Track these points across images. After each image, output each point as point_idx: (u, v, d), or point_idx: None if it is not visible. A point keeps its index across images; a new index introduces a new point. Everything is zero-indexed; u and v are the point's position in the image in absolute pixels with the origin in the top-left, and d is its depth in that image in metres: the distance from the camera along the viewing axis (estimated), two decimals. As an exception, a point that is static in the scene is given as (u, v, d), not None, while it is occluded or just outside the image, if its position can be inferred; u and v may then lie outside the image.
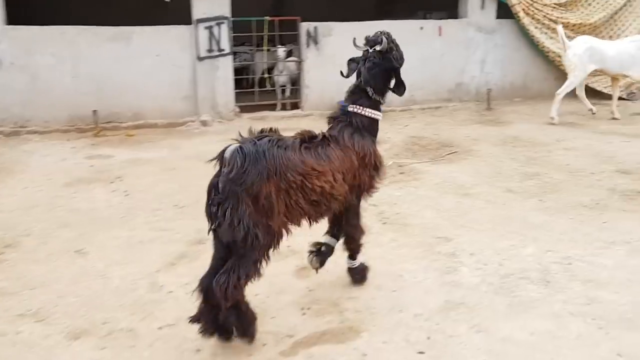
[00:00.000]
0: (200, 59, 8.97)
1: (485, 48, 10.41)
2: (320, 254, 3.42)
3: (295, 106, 9.97)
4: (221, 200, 2.61)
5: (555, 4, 10.26)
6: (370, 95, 3.22)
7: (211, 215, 2.68)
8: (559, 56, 9.96)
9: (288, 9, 11.74)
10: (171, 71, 8.84)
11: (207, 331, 2.81)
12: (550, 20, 10.18)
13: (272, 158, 2.70)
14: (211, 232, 2.75)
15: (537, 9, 10.15)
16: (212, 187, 2.67)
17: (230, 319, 2.77)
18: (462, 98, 10.44)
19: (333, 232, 3.45)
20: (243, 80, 11.02)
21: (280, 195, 2.72)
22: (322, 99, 9.33)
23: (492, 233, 4.39)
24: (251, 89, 10.36)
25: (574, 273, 3.68)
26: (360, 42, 3.28)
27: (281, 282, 3.56)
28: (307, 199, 2.84)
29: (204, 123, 8.90)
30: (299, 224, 2.93)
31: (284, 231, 2.81)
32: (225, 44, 9.04)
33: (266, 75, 10.78)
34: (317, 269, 3.45)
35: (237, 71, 9.85)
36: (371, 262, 3.63)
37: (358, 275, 3.53)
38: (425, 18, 11.45)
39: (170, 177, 6.05)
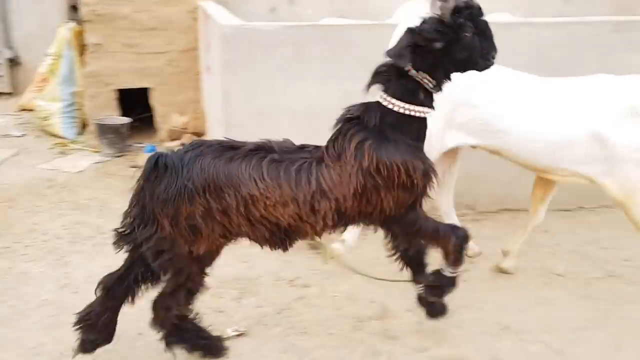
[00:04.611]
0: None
1: None
2: (428, 287, 2.57)
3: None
4: (137, 213, 2.19)
5: None
6: (406, 78, 2.18)
7: (126, 222, 2.24)
8: None
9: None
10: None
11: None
12: None
13: (203, 172, 2.10)
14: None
15: None
16: (135, 196, 2.21)
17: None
18: None
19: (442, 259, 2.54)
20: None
21: (211, 217, 2.13)
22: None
23: None
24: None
25: None
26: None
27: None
28: (256, 227, 2.18)
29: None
30: (260, 245, 2.30)
31: (217, 251, 2.31)
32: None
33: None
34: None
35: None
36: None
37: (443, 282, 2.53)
38: None
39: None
